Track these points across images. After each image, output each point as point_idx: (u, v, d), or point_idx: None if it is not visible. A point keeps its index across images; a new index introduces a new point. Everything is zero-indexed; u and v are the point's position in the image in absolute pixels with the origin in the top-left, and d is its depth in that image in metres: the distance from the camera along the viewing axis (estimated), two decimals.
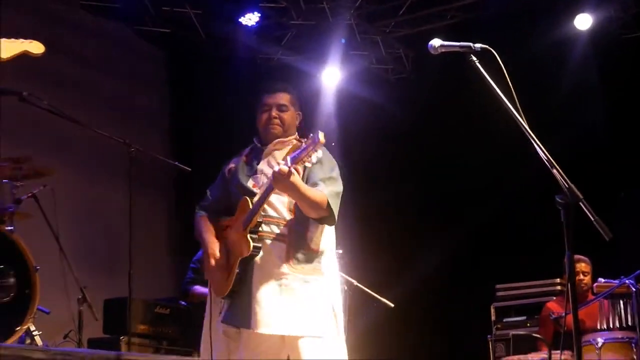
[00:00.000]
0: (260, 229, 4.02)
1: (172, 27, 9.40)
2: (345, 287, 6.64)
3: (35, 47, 3.39)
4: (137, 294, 6.30)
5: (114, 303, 6.76)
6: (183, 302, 7.12)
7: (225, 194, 4.30)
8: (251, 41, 9.32)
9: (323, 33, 9.24)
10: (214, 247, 4.18)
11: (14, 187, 6.15)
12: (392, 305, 6.66)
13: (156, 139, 9.37)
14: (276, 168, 3.80)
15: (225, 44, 9.33)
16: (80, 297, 6.58)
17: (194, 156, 8.72)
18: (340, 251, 6.48)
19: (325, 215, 4.04)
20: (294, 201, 4.06)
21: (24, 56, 3.35)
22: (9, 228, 5.71)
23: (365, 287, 6.64)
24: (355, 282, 6.61)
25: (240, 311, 4.02)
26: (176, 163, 6.83)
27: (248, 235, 3.97)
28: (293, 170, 3.78)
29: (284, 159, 3.84)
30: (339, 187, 4.09)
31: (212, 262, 4.14)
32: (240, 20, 9.06)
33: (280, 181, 3.81)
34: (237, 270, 4.01)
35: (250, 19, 9.02)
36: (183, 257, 8.33)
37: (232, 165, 4.32)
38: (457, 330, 8.74)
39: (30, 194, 6.34)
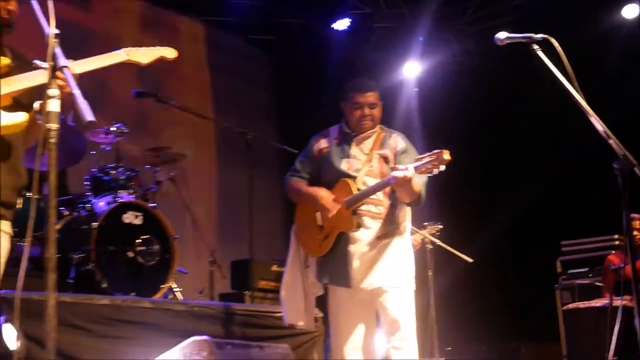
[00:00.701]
0: (359, 209, 4.03)
1: (277, 34, 9.50)
2: (430, 246, 6.60)
3: (170, 52, 3.43)
4: (257, 256, 6.41)
5: (238, 264, 6.86)
6: None
7: (315, 169, 4.27)
8: (342, 43, 9.29)
9: (403, 33, 9.17)
10: (324, 192, 4.07)
11: (155, 172, 6.30)
12: (471, 260, 6.58)
13: (268, 128, 9.43)
14: (400, 174, 3.76)
15: (321, 46, 9.32)
16: (211, 259, 6.71)
17: (298, 140, 8.73)
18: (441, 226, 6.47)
19: (415, 200, 4.04)
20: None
21: (160, 63, 3.38)
22: (153, 205, 5.84)
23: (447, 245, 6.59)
24: (438, 242, 6.55)
25: (337, 272, 4.05)
26: (285, 147, 6.89)
27: (352, 215, 3.99)
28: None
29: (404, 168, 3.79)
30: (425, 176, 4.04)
31: (325, 203, 4.04)
32: (332, 26, 9.08)
33: (403, 184, 3.81)
34: (333, 240, 4.03)
35: (342, 24, 9.03)
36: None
37: (323, 145, 4.26)
38: (527, 282, 8.59)
39: (168, 177, 6.47)
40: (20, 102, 3.03)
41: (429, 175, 3.80)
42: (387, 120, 4.36)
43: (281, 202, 9.66)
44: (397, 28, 9.21)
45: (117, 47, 3.10)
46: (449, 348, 7.79)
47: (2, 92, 2.94)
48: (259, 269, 6.57)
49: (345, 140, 4.21)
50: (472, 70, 9.47)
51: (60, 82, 2.90)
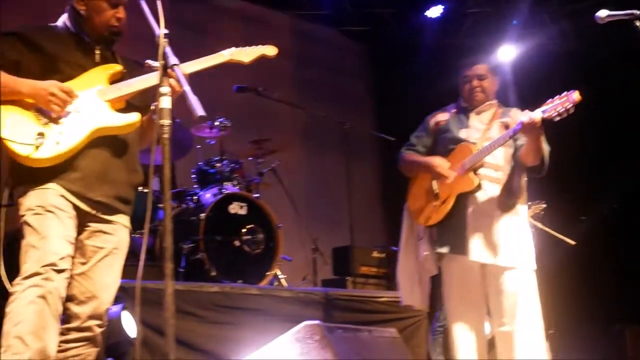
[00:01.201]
0: (478, 172, 3.96)
1: (370, 24, 9.45)
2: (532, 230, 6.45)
3: (270, 50, 3.49)
4: (358, 242, 6.42)
5: (340, 250, 6.89)
6: (396, 248, 7.15)
7: (430, 142, 4.24)
8: (436, 30, 9.18)
9: (497, 18, 8.96)
10: (440, 160, 4.03)
11: (257, 164, 6.39)
12: (573, 242, 6.39)
13: (362, 118, 9.41)
14: (527, 118, 3.66)
15: (415, 34, 9.23)
16: (313, 247, 6.77)
17: (393, 129, 8.70)
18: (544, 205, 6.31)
19: (538, 165, 3.91)
20: (511, 151, 3.96)
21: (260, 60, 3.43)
22: (256, 195, 5.94)
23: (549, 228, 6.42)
24: (539, 224, 6.40)
25: (454, 239, 3.95)
26: (382, 135, 6.89)
27: (471, 174, 3.92)
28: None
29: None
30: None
31: (441, 170, 4.00)
32: (425, 13, 8.97)
33: (530, 129, 3.69)
34: (452, 204, 3.95)
35: (435, 11, 8.90)
36: (392, 211, 8.38)
37: (440, 118, 4.23)
38: (633, 264, 8.28)
39: (269, 168, 6.56)
40: (133, 104, 3.17)
41: (558, 118, 3.60)
42: None
43: (378, 189, 9.70)
44: (491, 13, 9.01)
45: (209, 44, 3.14)
46: (552, 331, 7.61)
47: (116, 96, 3.08)
48: (359, 255, 6.57)
49: (464, 112, 4.19)
50: (569, 52, 9.18)
51: (171, 81, 3.03)
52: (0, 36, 3.09)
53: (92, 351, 3.08)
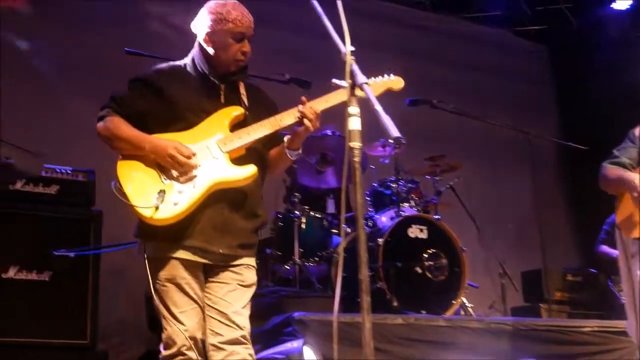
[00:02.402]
0: None
1: (548, 22, 9.21)
2: None
3: (397, 83, 3.47)
4: (549, 264, 6.20)
5: (530, 274, 6.71)
6: (592, 270, 6.87)
7: (637, 152, 4.06)
8: (624, 24, 8.76)
9: None
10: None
11: (435, 182, 6.32)
12: None
13: (544, 124, 9.11)
14: None
15: (598, 29, 8.87)
16: (500, 271, 6.59)
17: (582, 134, 8.37)
18: None
19: None
20: None
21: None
22: (436, 217, 5.85)
23: None
24: None
25: None
26: (570, 143, 6.64)
27: None
28: None
29: None
30: None
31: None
32: (612, 5, 8.63)
33: None
34: None
35: (622, 4, 8.56)
36: (584, 228, 8.05)
37: None
38: None
39: (447, 186, 6.47)
40: (253, 147, 3.28)
41: None
42: None
43: (568, 204, 9.34)
44: None
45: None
46: None
47: (236, 147, 3.20)
48: (552, 279, 6.36)
49: None
50: None
51: (307, 111, 3.20)
52: (130, 83, 3.30)
53: None
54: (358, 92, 2.56)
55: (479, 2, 9.00)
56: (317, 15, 2.78)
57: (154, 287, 3.11)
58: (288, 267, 5.73)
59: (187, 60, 3.37)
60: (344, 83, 2.59)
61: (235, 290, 3.19)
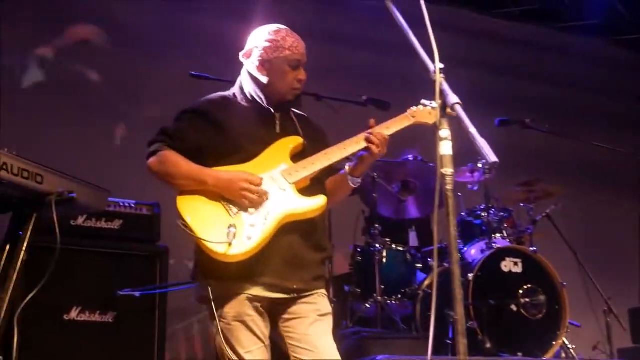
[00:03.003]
0: None
1: None
2: None
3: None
4: None
5: (639, 312, 6.52)
6: None
7: None
8: None
9: None
10: None
11: (530, 210, 6.21)
12: None
13: None
14: None
15: None
16: (605, 308, 6.43)
17: None
18: None
19: None
20: None
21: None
22: (532, 249, 5.75)
23: None
24: None
25: None
26: None
27: None
28: None
29: None
30: None
31: None
32: None
33: None
34: None
35: None
36: None
37: None
38: None
39: (544, 214, 6.35)
40: (316, 177, 3.32)
41: None
42: None
43: None
44: None
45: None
46: None
47: (301, 177, 3.25)
48: None
49: None
50: None
51: (375, 139, 3.23)
52: (183, 115, 3.34)
53: None
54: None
55: (571, 10, 8.87)
56: (400, 31, 2.77)
57: (218, 327, 3.13)
58: (368, 306, 5.70)
59: (235, 90, 3.44)
60: (434, 104, 2.58)
61: (316, 323, 3.21)
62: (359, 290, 5.80)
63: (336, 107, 5.09)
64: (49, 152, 4.56)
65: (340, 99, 5.10)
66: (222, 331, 3.13)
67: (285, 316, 3.23)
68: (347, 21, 7.62)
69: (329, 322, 3.27)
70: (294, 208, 3.18)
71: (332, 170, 3.41)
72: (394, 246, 5.93)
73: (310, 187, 3.28)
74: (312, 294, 3.26)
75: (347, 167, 3.37)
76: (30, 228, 3.23)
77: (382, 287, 5.71)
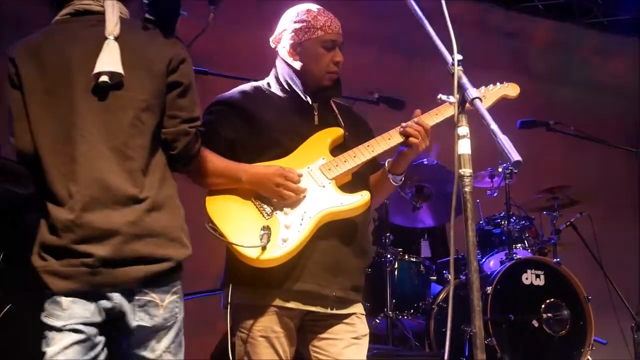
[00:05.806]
0: None
1: None
2: None
3: (512, 90, 3.44)
4: None
5: None
6: None
7: None
8: None
9: None
10: None
11: (553, 218, 6.18)
12: None
13: None
14: None
15: None
16: (633, 324, 6.40)
17: None
18: None
19: None
20: None
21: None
22: (556, 260, 5.73)
23: None
24: None
25: None
26: None
27: None
28: None
29: None
30: None
31: None
32: None
33: None
34: None
35: None
36: None
37: None
38: None
39: (567, 223, 6.33)
40: (358, 172, 3.26)
41: None
42: None
43: None
44: None
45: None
46: None
47: (342, 172, 3.18)
48: None
49: None
50: None
51: (412, 130, 3.16)
52: (211, 107, 3.28)
53: None
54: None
55: (602, 6, 8.88)
56: (418, 23, 2.74)
57: (239, 338, 3.08)
58: (378, 321, 5.67)
59: (269, 80, 3.38)
60: (452, 98, 2.54)
61: (351, 347, 3.16)
62: (368, 305, 5.74)
63: (350, 104, 5.08)
64: None
65: (351, 97, 5.08)
66: (244, 344, 3.09)
67: (318, 336, 3.17)
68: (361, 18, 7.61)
69: (364, 344, 3.21)
70: (334, 206, 3.10)
71: (376, 164, 3.35)
72: (406, 257, 5.90)
73: (352, 182, 3.21)
74: (351, 314, 3.20)
75: (386, 163, 3.29)
76: None
77: (394, 301, 5.68)
